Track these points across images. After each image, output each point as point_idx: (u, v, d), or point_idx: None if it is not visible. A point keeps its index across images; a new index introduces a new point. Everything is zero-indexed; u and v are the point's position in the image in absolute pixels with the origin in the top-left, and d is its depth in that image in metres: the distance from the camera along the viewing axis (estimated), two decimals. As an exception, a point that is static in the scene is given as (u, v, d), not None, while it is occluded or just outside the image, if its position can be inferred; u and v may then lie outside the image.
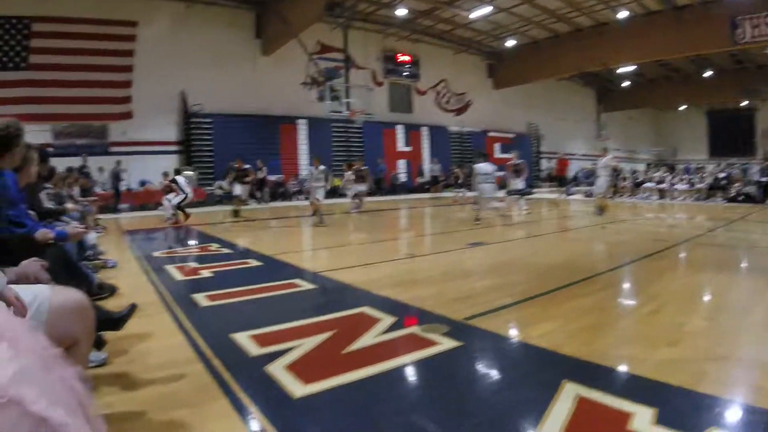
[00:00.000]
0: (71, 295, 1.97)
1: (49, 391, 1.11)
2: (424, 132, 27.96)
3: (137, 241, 9.76)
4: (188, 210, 12.62)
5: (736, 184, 19.91)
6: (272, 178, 21.08)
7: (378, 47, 26.05)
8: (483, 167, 12.14)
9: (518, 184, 15.58)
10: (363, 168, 16.39)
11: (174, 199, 12.33)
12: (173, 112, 19.92)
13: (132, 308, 3.35)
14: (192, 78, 19.75)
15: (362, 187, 15.99)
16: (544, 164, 34.20)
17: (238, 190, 14.61)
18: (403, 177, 26.88)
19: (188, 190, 12.41)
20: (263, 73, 21.85)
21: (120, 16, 18.13)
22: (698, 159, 33.38)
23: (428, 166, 26.90)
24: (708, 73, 32.05)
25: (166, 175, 13.67)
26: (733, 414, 2.61)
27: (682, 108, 39.56)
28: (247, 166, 15.24)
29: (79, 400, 1.21)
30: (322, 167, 12.12)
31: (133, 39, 18.44)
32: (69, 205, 5.89)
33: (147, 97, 18.65)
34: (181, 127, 20.06)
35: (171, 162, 18.54)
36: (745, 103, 36.28)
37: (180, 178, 12.38)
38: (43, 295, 1.87)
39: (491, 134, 31.22)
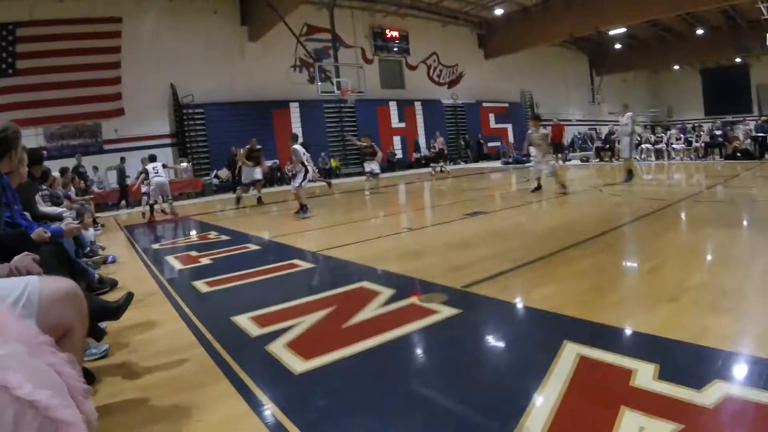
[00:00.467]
0: (61, 283, 1.98)
1: (36, 375, 1.12)
2: (418, 107, 27.82)
3: (137, 235, 9.77)
4: (179, 202, 12.36)
5: (734, 143, 19.83)
6: (268, 163, 21.02)
7: (366, 25, 25.83)
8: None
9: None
10: (371, 144, 15.80)
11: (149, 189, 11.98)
12: (164, 106, 19.85)
13: (129, 296, 3.36)
14: (181, 70, 19.68)
15: (374, 165, 15.56)
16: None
17: (258, 174, 14.12)
18: (399, 153, 26.79)
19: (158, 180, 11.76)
20: (252, 59, 21.74)
21: (104, 13, 17.98)
22: (694, 118, 33.26)
23: (430, 141, 26.62)
24: (700, 32, 31.76)
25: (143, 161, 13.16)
26: (737, 365, 2.60)
27: (676, 68, 39.31)
28: (258, 146, 14.58)
29: (68, 383, 1.23)
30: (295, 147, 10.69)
31: (118, 35, 18.30)
32: (65, 213, 5.86)
33: (137, 93, 18.58)
34: (174, 119, 19.98)
35: (166, 155, 18.52)
36: (738, 60, 36.03)
37: (150, 167, 11.88)
38: (33, 285, 1.87)
39: (485, 104, 31.15)
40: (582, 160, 23.72)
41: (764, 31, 23.77)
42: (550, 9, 26.54)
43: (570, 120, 34.83)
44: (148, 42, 19.02)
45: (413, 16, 27.20)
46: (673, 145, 21.47)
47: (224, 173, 19.47)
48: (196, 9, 20.46)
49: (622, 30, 29.31)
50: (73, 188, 10.43)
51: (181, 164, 18.87)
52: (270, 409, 2.43)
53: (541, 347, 2.93)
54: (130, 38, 18.54)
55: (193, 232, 9.49)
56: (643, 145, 22.38)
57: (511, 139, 31.92)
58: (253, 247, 7.05)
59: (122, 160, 17.03)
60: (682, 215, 7.84)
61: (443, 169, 21.09)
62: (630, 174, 12.48)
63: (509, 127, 32.05)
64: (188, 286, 4.95)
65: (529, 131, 11.84)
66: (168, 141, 19.74)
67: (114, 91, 18.25)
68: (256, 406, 2.48)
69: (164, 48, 19.38)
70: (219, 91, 20.52)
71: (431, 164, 21.76)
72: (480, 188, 14.09)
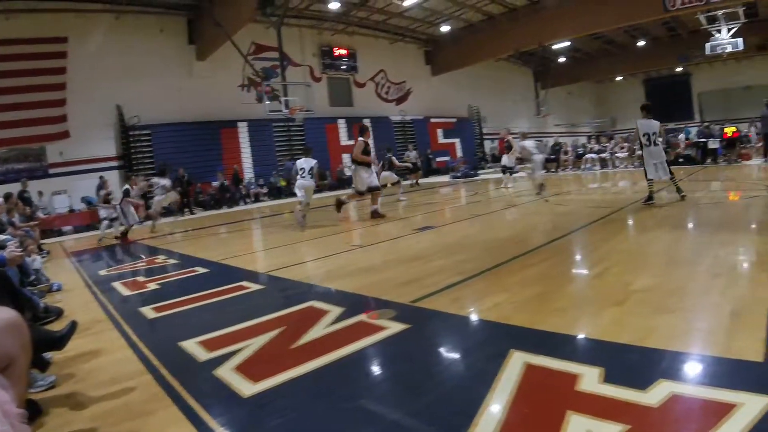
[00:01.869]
0: (3, 313, 2.00)
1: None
2: (367, 124, 27.69)
3: (83, 261, 9.59)
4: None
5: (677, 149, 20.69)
6: (215, 184, 20.85)
7: (314, 43, 25.93)
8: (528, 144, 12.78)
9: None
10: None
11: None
12: (111, 127, 19.37)
13: (72, 325, 3.35)
14: (128, 90, 19.29)
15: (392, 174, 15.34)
16: (488, 145, 34.69)
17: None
18: (348, 171, 26.66)
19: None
20: (200, 78, 21.50)
21: (49, 33, 17.58)
22: (638, 127, 34.30)
23: (404, 154, 26.74)
24: (642, 43, 32.99)
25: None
26: (681, 364, 2.73)
27: (619, 79, 40.63)
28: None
29: (3, 409, 1.28)
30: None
31: (64, 56, 17.91)
32: (8, 240, 5.76)
33: (83, 114, 18.13)
34: (120, 141, 19.52)
35: (114, 178, 18.20)
36: (679, 69, 37.54)
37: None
38: (-27, 318, 1.89)
39: (433, 120, 31.56)
40: (528, 174, 24.21)
41: (704, 40, 24.75)
42: (495, 25, 27.12)
43: (516, 133, 35.50)
44: (94, 61, 18.61)
45: (361, 34, 27.40)
46: (617, 154, 22.14)
47: (172, 195, 19.16)
48: (142, 27, 20.12)
49: (566, 44, 30.16)
50: (17, 214, 10.21)
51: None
52: (218, 434, 2.44)
53: (488, 357, 3.02)
54: (76, 57, 18.14)
55: (141, 257, 9.35)
56: (587, 155, 23.05)
57: (459, 153, 32.39)
58: (201, 270, 6.99)
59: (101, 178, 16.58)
60: (627, 221, 8.15)
61: (418, 182, 21.56)
62: (542, 187, 13.27)
63: (457, 141, 32.51)
64: (135, 313, 4.90)
65: (522, 143, 12.38)
66: (115, 164, 19.27)
67: (59, 113, 17.78)
68: (204, 431, 2.50)
69: (111, 68, 19.00)
70: (166, 111, 20.21)
71: (408, 177, 22.06)
72: (430, 203, 14.27)
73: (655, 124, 9.38)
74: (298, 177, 10.79)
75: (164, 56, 20.71)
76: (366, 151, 11.00)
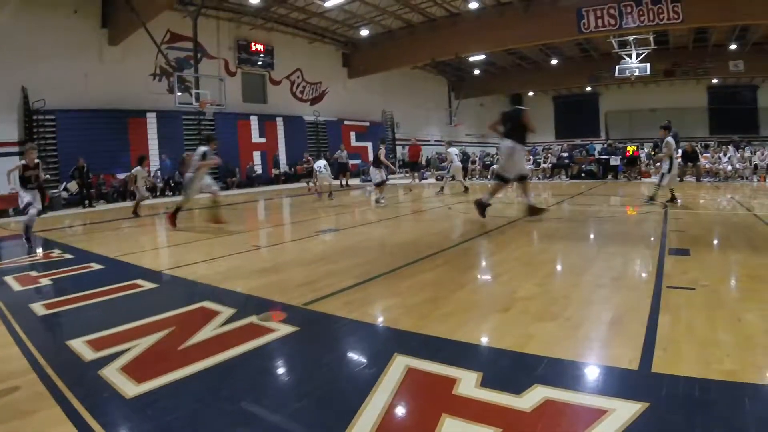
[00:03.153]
0: None
1: None
2: (280, 122, 27.77)
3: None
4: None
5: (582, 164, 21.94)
6: (122, 176, 20.18)
7: (231, 36, 25.48)
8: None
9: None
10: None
11: None
12: (14, 110, 18.21)
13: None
14: (34, 72, 18.20)
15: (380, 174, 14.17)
16: (400, 151, 35.23)
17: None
18: (258, 170, 26.52)
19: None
20: (110, 64, 20.58)
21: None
22: (546, 141, 35.87)
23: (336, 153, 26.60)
24: (555, 62, 34.44)
25: None
26: (557, 370, 2.88)
27: (531, 94, 42.25)
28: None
29: None
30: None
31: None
32: None
33: (-16, 95, 16.99)
34: (24, 125, 18.39)
35: (13, 164, 17.21)
36: (589, 88, 39.51)
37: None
38: None
39: (347, 122, 31.75)
40: (437, 179, 24.90)
41: (615, 63, 26.24)
42: (413, 33, 27.61)
43: (428, 140, 36.33)
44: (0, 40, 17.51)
45: (280, 30, 27.17)
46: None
47: (73, 186, 18.43)
48: (56, 6, 19.00)
49: (482, 57, 31.08)
50: None
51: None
52: (99, 435, 2.44)
53: (372, 361, 3.15)
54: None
55: (39, 250, 8.95)
56: (494, 165, 23.93)
57: (371, 157, 32.71)
58: (96, 266, 6.86)
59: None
60: (524, 231, 8.50)
61: (347, 183, 22.17)
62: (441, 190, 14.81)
63: (369, 145, 32.81)
64: (25, 309, 4.80)
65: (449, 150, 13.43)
66: (15, 149, 17.96)
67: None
68: (84, 432, 2.49)
69: (17, 47, 17.82)
70: (73, 96, 19.24)
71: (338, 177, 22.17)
72: (337, 205, 14.48)
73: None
74: (318, 174, 15.55)
75: (75, 39, 19.65)
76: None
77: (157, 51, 20.07)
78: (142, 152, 18.14)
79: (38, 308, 4.82)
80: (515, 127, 9.10)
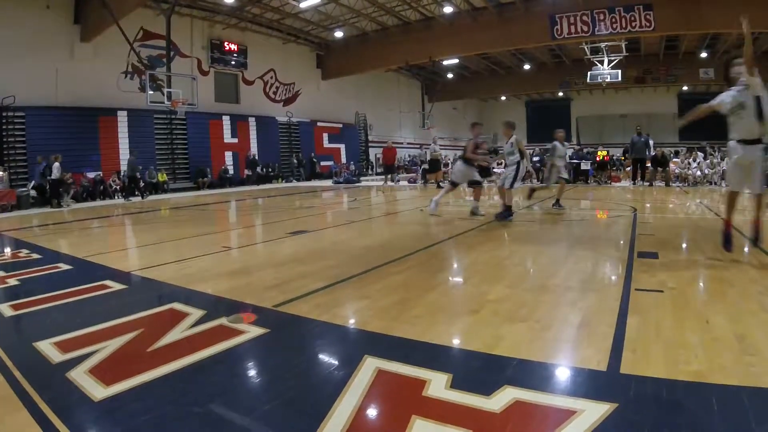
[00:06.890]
0: None
1: None
2: (252, 123, 27.72)
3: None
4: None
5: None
6: (91, 175, 19.91)
7: (204, 35, 25.45)
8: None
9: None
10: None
11: None
12: None
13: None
14: (4, 67, 18.01)
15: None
16: (372, 153, 35.37)
17: None
18: (231, 170, 26.42)
19: None
20: (82, 61, 20.43)
21: None
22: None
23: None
24: (528, 67, 34.86)
25: None
26: (526, 371, 2.90)
27: (503, 98, 42.66)
28: None
29: None
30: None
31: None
32: None
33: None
34: (-8, 123, 18.06)
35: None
36: (561, 94, 40.07)
37: None
38: None
39: (320, 124, 31.84)
40: (409, 182, 25.05)
41: (586, 69, 26.65)
42: (388, 36, 27.88)
43: (401, 143, 36.51)
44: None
45: (253, 30, 27.20)
46: (495, 169, 23.27)
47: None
48: (27, 1, 18.81)
49: (455, 61, 31.34)
50: None
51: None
52: (67, 439, 2.39)
53: (342, 363, 3.14)
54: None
55: (7, 250, 8.79)
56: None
57: (343, 159, 32.83)
58: (64, 266, 6.76)
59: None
60: (494, 233, 8.55)
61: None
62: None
63: (342, 147, 32.94)
64: None
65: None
66: None
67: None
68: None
69: None
70: (43, 93, 19.04)
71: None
72: (309, 207, 14.48)
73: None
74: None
75: (46, 34, 19.45)
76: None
77: (130, 48, 19.88)
78: (111, 152, 17.97)
79: (5, 309, 4.72)
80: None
